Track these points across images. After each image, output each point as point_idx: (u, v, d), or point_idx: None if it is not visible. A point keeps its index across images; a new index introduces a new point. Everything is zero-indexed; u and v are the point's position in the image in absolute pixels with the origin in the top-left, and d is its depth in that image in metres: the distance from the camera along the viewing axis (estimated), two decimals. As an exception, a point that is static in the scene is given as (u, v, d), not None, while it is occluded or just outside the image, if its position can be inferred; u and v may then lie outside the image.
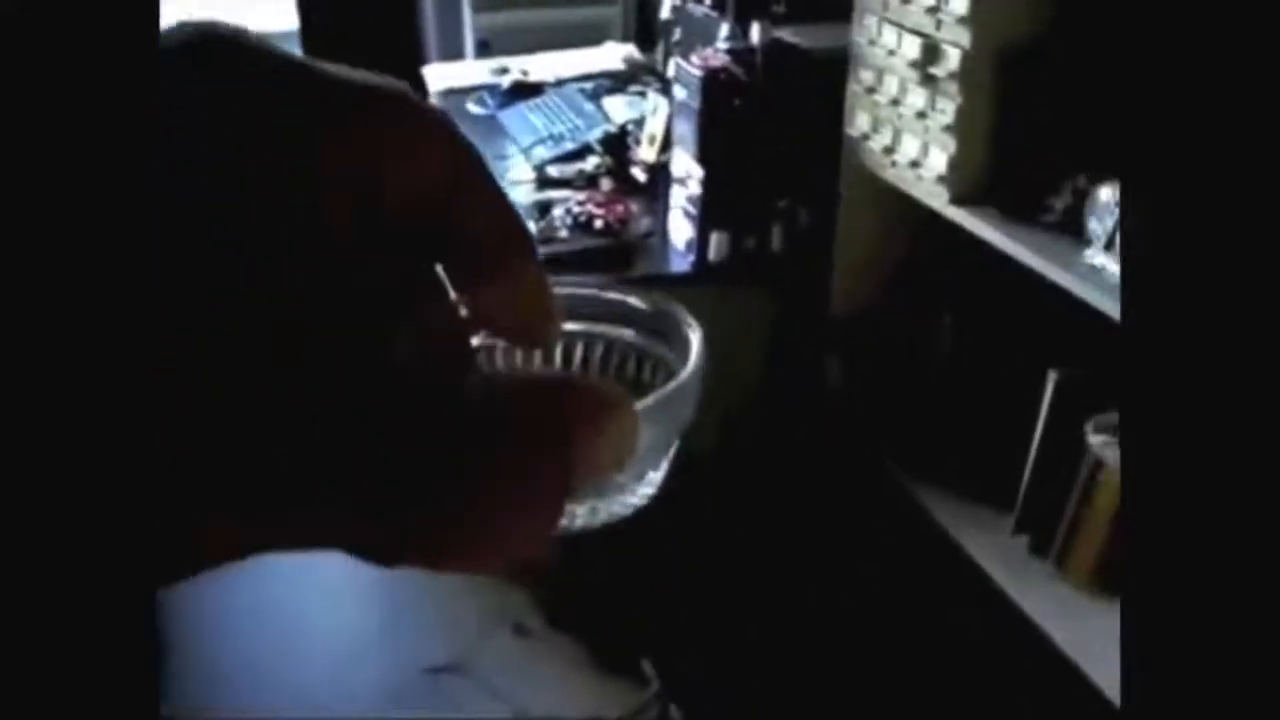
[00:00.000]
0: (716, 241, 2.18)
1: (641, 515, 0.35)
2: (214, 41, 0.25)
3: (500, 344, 0.35)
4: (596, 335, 0.36)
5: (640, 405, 0.28)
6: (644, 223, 2.28)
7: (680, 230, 2.25)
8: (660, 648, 2.15)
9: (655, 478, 0.34)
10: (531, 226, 2.21)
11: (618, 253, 2.22)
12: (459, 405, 0.25)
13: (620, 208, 2.28)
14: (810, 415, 2.31)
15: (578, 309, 0.36)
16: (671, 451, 0.33)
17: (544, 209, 2.28)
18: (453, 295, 0.29)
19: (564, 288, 0.33)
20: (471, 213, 0.28)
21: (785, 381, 2.36)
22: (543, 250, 2.18)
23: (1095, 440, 1.68)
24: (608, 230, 2.22)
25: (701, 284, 2.22)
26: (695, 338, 0.34)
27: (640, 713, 1.98)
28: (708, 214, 2.18)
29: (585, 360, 0.36)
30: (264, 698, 2.13)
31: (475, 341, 0.31)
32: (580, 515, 0.33)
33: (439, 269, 0.29)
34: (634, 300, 0.36)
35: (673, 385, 0.31)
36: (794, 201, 2.23)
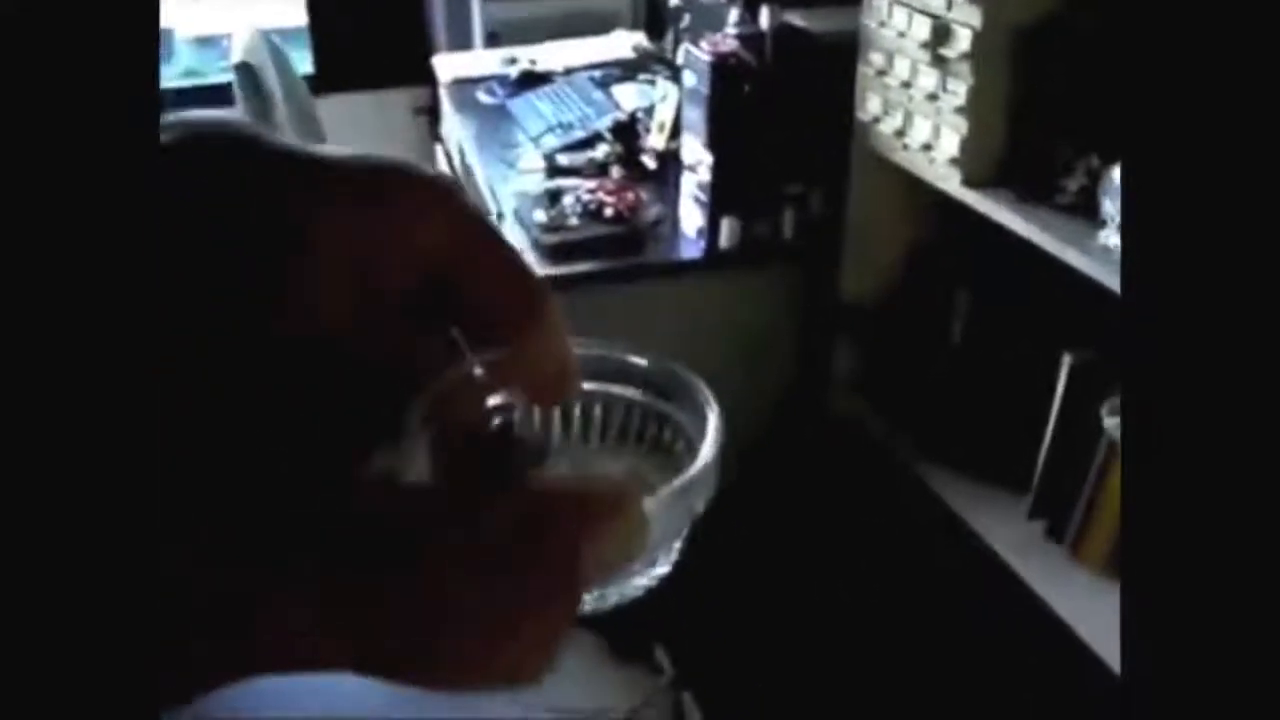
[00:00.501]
0: (727, 228, 2.17)
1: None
2: (216, 139, 0.26)
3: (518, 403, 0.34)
4: (616, 396, 0.36)
5: (652, 501, 0.29)
6: (654, 210, 2.26)
7: (691, 217, 2.24)
8: (674, 636, 2.14)
9: (669, 559, 0.33)
10: (541, 215, 2.21)
11: (628, 240, 2.21)
12: (471, 525, 0.26)
13: (630, 195, 2.27)
14: (822, 401, 2.30)
15: (600, 368, 0.36)
16: (685, 532, 0.33)
17: (554, 197, 2.27)
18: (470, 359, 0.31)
19: (586, 349, 0.34)
20: (482, 279, 0.29)
21: (797, 367, 2.34)
22: (553, 238, 2.18)
23: (1111, 423, 1.66)
24: (618, 218, 2.21)
25: (712, 270, 2.21)
26: (713, 420, 0.34)
27: (653, 701, 1.97)
28: (718, 200, 2.16)
29: (605, 421, 0.36)
30: (269, 698, 2.13)
31: (496, 400, 0.32)
32: (589, 601, 0.32)
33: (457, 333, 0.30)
34: (653, 364, 0.36)
35: (686, 476, 0.31)
36: (805, 186, 2.21)
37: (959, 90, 1.78)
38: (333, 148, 0.28)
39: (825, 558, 2.33)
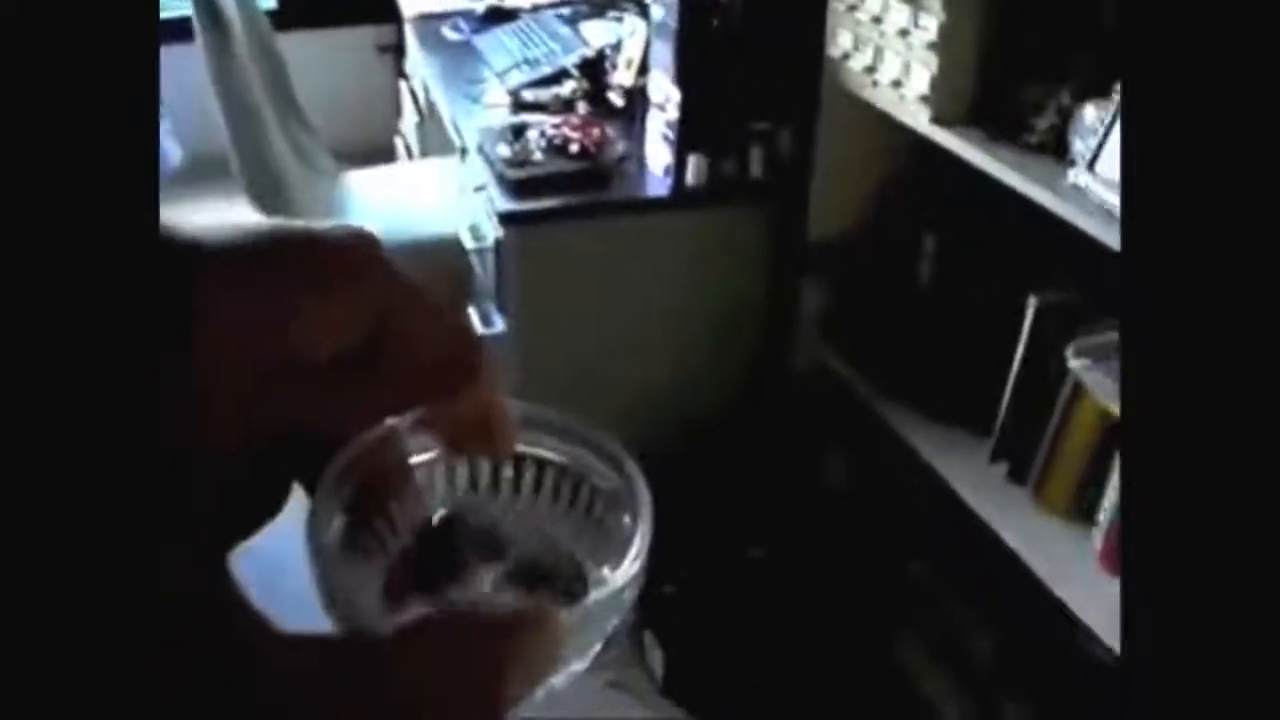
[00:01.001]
0: (694, 165, 2.14)
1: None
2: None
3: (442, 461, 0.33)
4: (548, 459, 0.35)
5: (571, 613, 0.28)
6: (620, 146, 2.23)
7: (658, 154, 2.21)
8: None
9: (586, 659, 0.32)
10: (505, 149, 2.17)
11: (593, 176, 2.17)
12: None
13: (596, 131, 2.23)
14: (789, 343, 2.28)
15: (533, 422, 0.34)
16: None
17: (518, 132, 2.24)
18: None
19: (521, 409, 0.33)
20: (414, 335, 0.28)
21: (765, 309, 2.32)
22: (517, 174, 2.14)
23: (1076, 364, 1.65)
24: (583, 154, 2.18)
25: (679, 208, 2.18)
26: (645, 516, 0.32)
27: (616, 641, 1.96)
28: (685, 137, 2.13)
29: (538, 483, 0.35)
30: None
31: (423, 457, 0.32)
32: None
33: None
34: (590, 434, 0.35)
35: (609, 589, 0.30)
36: (774, 124, 2.18)
37: (930, 26, 1.75)
38: (226, 224, 0.26)
39: (790, 503, 2.33)
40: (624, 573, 0.30)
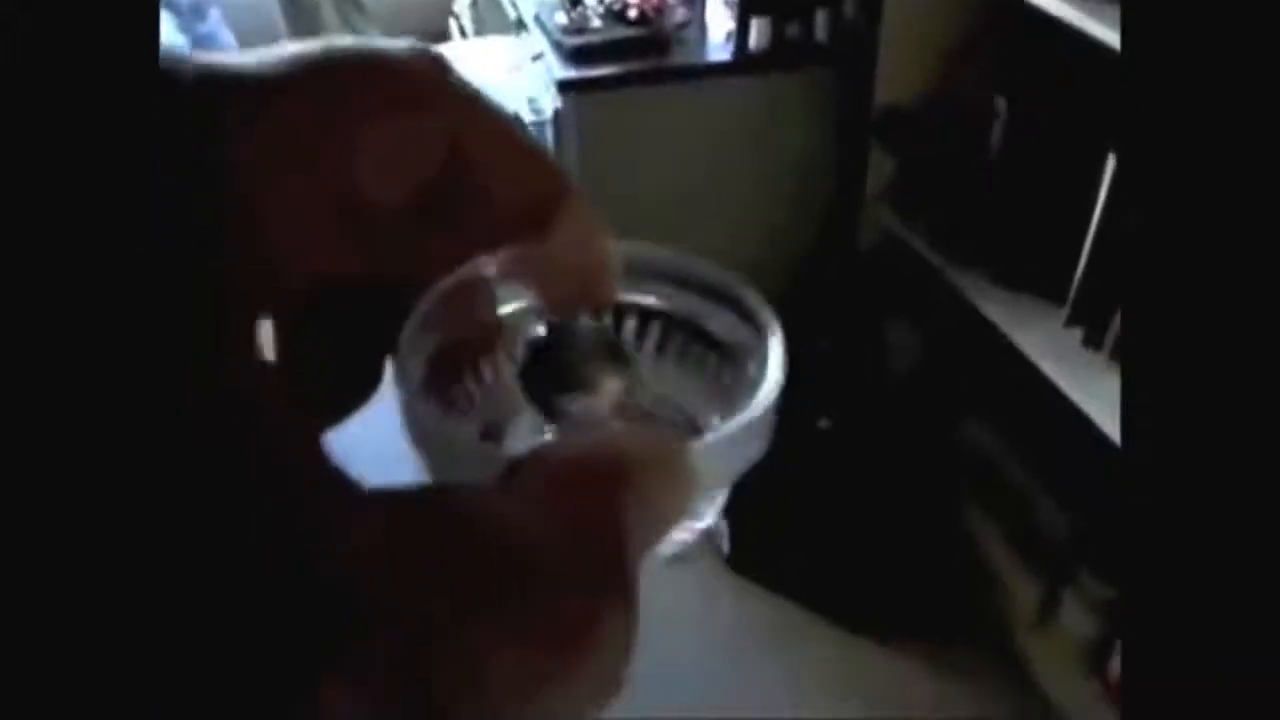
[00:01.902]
0: (757, 29, 2.07)
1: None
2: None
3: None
4: (655, 308, 0.30)
5: (701, 448, 0.23)
6: (680, 11, 2.16)
7: (719, 19, 2.14)
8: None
9: (714, 510, 0.28)
10: (562, 17, 2.11)
11: (653, 42, 2.12)
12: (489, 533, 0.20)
13: (655, -4, 2.17)
14: (857, 212, 2.23)
15: (640, 265, 0.30)
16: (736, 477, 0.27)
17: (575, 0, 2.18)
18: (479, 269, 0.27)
19: (626, 249, 0.29)
20: (490, 165, 0.24)
21: (831, 177, 2.27)
22: (575, 40, 2.08)
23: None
24: (642, 19, 2.12)
25: (741, 74, 2.12)
26: (775, 349, 0.28)
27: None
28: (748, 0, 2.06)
29: (640, 337, 0.30)
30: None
31: (510, 308, 0.29)
32: None
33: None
34: (708, 274, 0.30)
35: (740, 421, 0.25)
36: (839, -16, 2.10)
37: None
38: (268, 52, 0.22)
39: (858, 374, 2.30)
40: (760, 404, 0.26)
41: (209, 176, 0.20)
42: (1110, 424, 1.64)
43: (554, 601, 0.20)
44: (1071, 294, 1.79)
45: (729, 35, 2.12)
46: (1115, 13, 1.54)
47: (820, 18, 2.10)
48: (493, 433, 0.29)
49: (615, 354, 0.28)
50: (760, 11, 2.06)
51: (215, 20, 3.57)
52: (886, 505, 2.20)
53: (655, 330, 0.30)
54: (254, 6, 3.18)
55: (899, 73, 2.09)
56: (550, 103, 2.17)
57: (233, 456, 0.19)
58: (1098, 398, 1.68)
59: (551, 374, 0.27)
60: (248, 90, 0.21)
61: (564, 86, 2.05)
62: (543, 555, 0.20)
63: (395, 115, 0.23)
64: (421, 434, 0.24)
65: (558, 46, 2.10)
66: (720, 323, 0.30)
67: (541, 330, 0.28)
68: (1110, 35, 1.53)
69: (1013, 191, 1.93)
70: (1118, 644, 1.81)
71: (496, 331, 0.29)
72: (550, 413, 0.27)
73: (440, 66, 0.24)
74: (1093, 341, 1.77)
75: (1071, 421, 1.71)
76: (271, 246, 0.21)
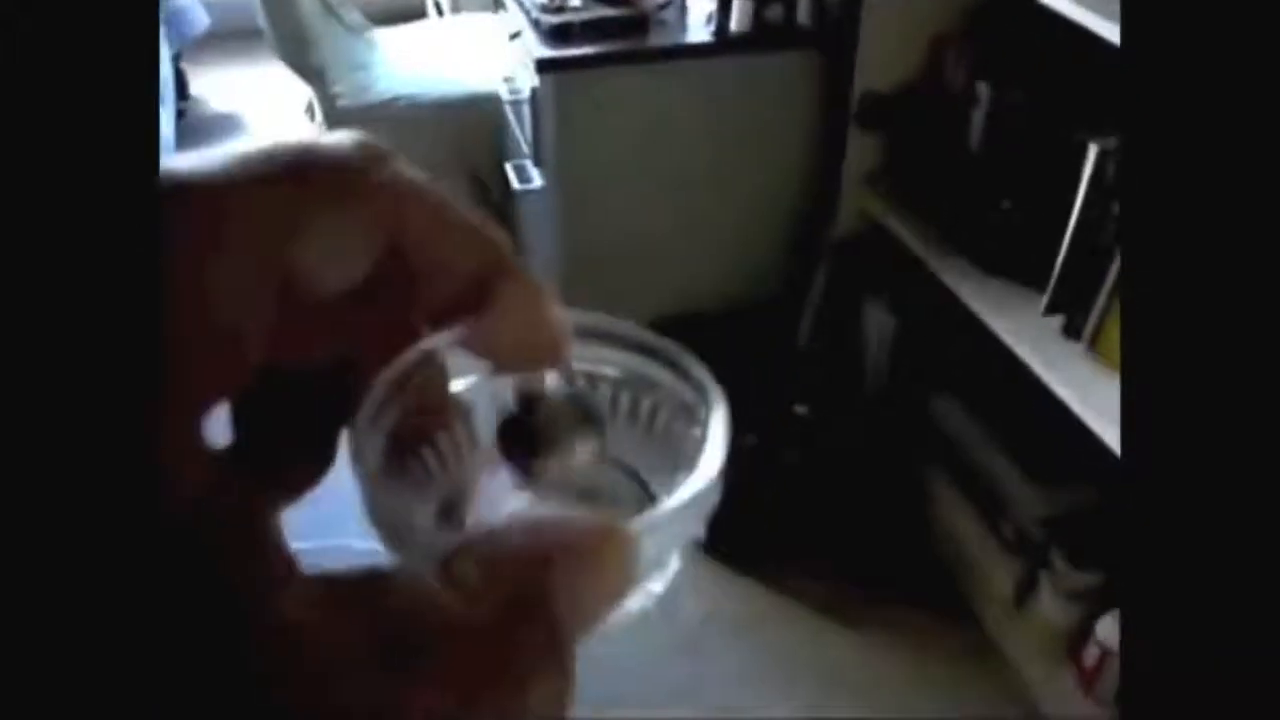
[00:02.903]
0: (739, 10, 2.05)
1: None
2: None
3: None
4: (602, 374, 0.31)
5: (637, 527, 0.24)
6: (661, -10, 2.14)
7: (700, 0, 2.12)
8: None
9: (664, 577, 0.29)
10: (541, -4, 2.08)
11: (633, 22, 2.09)
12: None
13: (636, -25, 2.14)
14: (837, 196, 2.21)
15: (586, 331, 0.30)
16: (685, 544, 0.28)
17: (555, -23, 2.15)
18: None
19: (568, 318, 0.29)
20: (431, 249, 0.26)
21: (813, 162, 2.25)
22: (553, 19, 2.06)
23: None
24: (623, -1, 2.09)
25: (722, 56, 2.10)
26: (718, 412, 0.28)
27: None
28: (730, -20, 2.04)
29: (613, 407, 0.31)
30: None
31: (465, 382, 0.29)
32: None
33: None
34: (646, 337, 0.31)
35: (684, 495, 0.26)
36: (821, -34, 2.08)
37: None
38: (215, 153, 0.24)
39: (836, 359, 2.29)
40: (701, 475, 0.26)
41: (157, 270, 0.21)
42: (1088, 413, 1.64)
43: (475, 665, 0.21)
44: (1052, 282, 1.78)
45: (710, 16, 2.10)
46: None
47: (803, 0, 2.08)
48: (454, 503, 0.30)
49: (587, 416, 0.29)
50: (742, -8, 2.04)
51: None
52: (861, 489, 2.19)
53: (604, 390, 0.31)
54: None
55: (881, 57, 2.07)
56: (528, 82, 2.15)
57: (178, 539, 0.21)
58: (1077, 386, 1.68)
59: (526, 438, 0.29)
60: (195, 192, 0.23)
61: (542, 65, 2.03)
62: (472, 635, 0.21)
63: (329, 210, 0.24)
64: (378, 516, 0.25)
65: (536, 25, 2.08)
66: (664, 381, 0.30)
67: (514, 394, 0.29)
68: (1094, 21, 1.52)
69: (994, 178, 1.92)
70: (1093, 629, 1.81)
71: (452, 405, 0.29)
72: (526, 475, 0.29)
73: (375, 158, 0.25)
74: (1072, 330, 1.77)
75: (1049, 410, 1.71)
76: (218, 335, 0.23)
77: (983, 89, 1.96)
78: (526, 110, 2.21)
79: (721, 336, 2.36)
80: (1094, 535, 1.87)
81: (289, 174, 0.24)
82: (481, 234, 0.27)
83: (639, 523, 0.24)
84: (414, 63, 2.84)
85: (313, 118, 2.80)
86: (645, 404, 0.31)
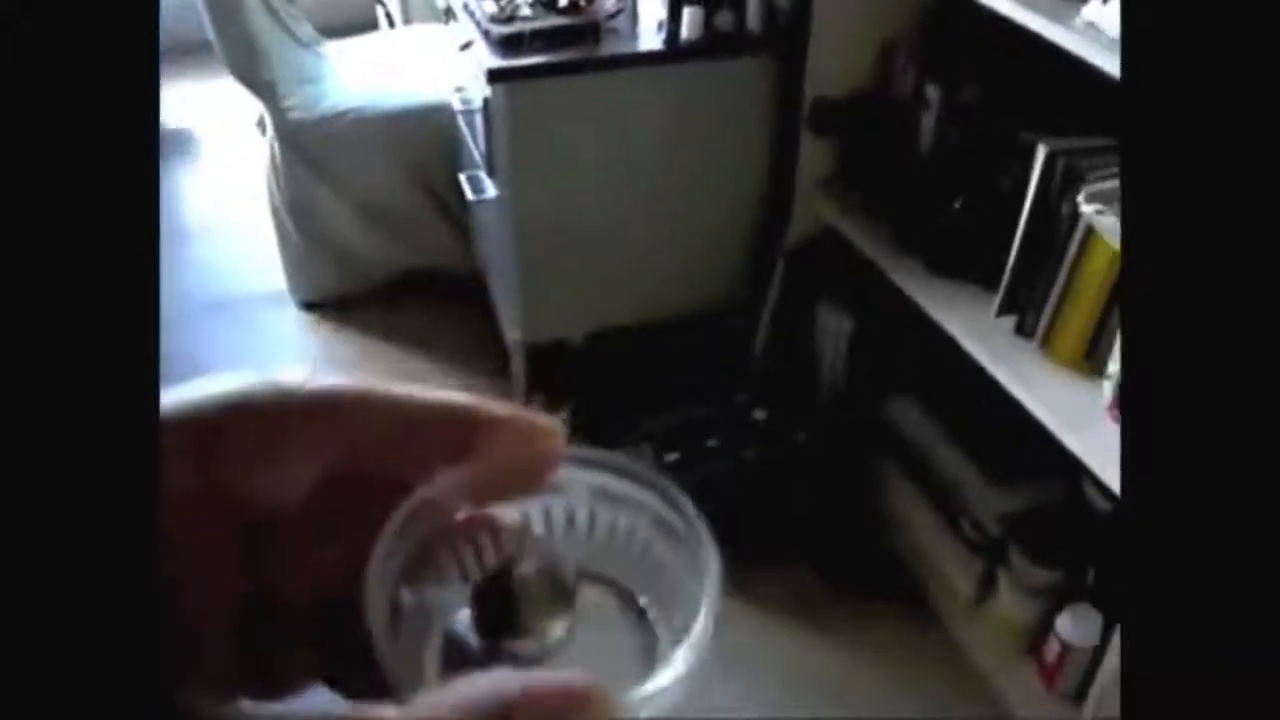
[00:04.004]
0: (689, 18, 2.05)
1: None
2: None
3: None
4: (579, 491, 0.32)
5: (635, 699, 0.26)
6: (611, 0, 2.14)
7: (650, 7, 2.13)
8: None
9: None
10: (491, 5, 2.08)
11: (584, 31, 2.09)
12: None
13: (586, -16, 2.14)
14: (791, 201, 2.23)
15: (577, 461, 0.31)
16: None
17: (505, -13, 2.15)
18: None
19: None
20: (392, 467, 0.28)
21: (765, 168, 2.26)
22: (504, 29, 2.06)
23: (1088, 209, 1.60)
24: (573, 7, 2.09)
25: (674, 64, 2.10)
26: (713, 570, 0.29)
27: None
28: (680, -12, 2.04)
29: (570, 520, 0.32)
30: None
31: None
32: None
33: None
34: (632, 465, 0.32)
35: (681, 665, 0.27)
36: (771, -27, 2.09)
37: None
38: (197, 391, 0.27)
39: (794, 360, 2.30)
40: (694, 645, 0.28)
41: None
42: (1042, 410, 1.66)
43: None
44: (1003, 283, 1.80)
45: (660, 24, 2.10)
46: (1048, 3, 1.55)
47: (753, 6, 2.09)
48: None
49: (560, 594, 0.30)
50: (692, 1, 2.05)
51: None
52: (820, 492, 2.20)
53: (583, 507, 0.31)
54: (180, 1, 3.10)
55: (832, 62, 2.09)
56: (480, 92, 2.14)
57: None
58: (1030, 385, 1.70)
59: (501, 619, 0.29)
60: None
61: (493, 76, 2.02)
62: None
63: (276, 454, 0.27)
64: (389, 671, 0.26)
65: (486, 35, 2.07)
66: (640, 498, 0.31)
67: (491, 566, 0.30)
68: (1040, 24, 1.54)
69: (945, 180, 1.94)
70: (1054, 625, 1.83)
71: (452, 539, 0.30)
72: (496, 653, 0.29)
73: (328, 402, 0.28)
74: (1024, 329, 1.78)
75: (1004, 408, 1.73)
76: (185, 571, 0.25)
77: (932, 92, 1.98)
78: (479, 121, 2.21)
79: (679, 343, 2.38)
80: (1051, 531, 1.89)
81: (240, 421, 0.27)
82: (448, 410, 0.29)
83: (632, 699, 0.25)
84: (365, 75, 2.83)
85: (264, 132, 2.78)
86: (623, 520, 0.31)
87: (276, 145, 2.72)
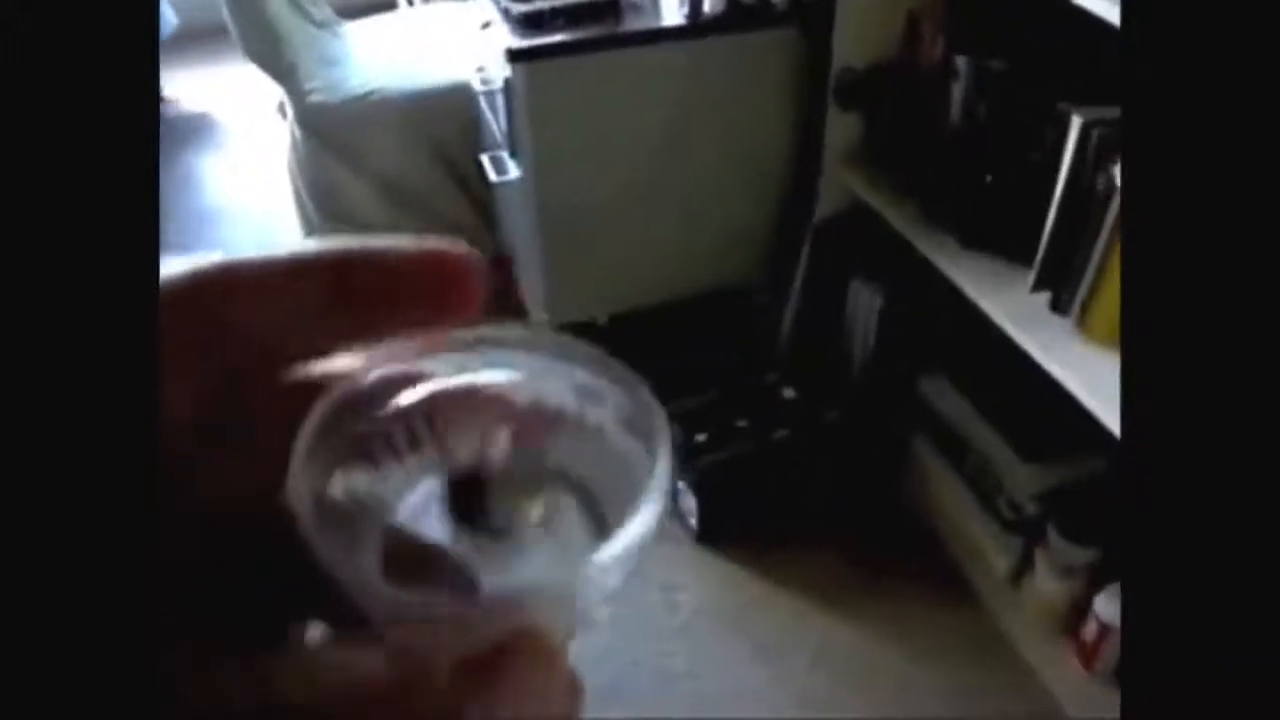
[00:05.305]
0: (712, -9, 2.02)
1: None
2: None
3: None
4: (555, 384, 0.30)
5: (590, 567, 0.25)
6: (633, -26, 2.10)
7: (672, -19, 2.09)
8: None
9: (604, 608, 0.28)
10: (511, -18, 2.05)
11: (605, 8, 2.06)
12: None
13: (606, -41, 2.11)
14: (818, 176, 2.19)
15: (536, 345, 0.30)
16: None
17: (526, -37, 2.11)
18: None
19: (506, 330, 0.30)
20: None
21: (792, 143, 2.23)
22: (524, 7, 2.03)
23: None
24: (594, -16, 2.06)
25: (697, 39, 2.07)
26: (663, 459, 0.27)
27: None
28: (702, -39, 2.01)
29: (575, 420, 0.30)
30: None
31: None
32: None
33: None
34: (598, 354, 0.29)
35: (620, 544, 0.25)
36: (795, -57, 2.05)
37: None
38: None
39: (825, 338, 2.28)
40: (648, 514, 0.26)
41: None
42: (1079, 387, 1.63)
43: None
44: (1038, 257, 1.76)
45: (683, -1, 2.07)
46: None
47: (777, -22, 2.05)
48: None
49: (533, 487, 0.29)
50: (715, -27, 2.01)
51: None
52: (852, 471, 2.18)
53: (552, 398, 0.30)
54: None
55: (858, 33, 2.05)
56: (500, 72, 2.11)
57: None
58: (1066, 362, 1.66)
59: (476, 506, 0.28)
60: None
61: (514, 55, 1.99)
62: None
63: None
64: (324, 564, 0.24)
65: (506, 14, 2.05)
66: (613, 397, 0.29)
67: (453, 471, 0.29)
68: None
69: (976, 153, 1.89)
70: (1092, 605, 1.80)
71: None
72: (473, 537, 0.28)
73: (203, 309, 0.27)
74: (1059, 305, 1.75)
75: (1039, 385, 1.69)
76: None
77: (961, 62, 1.93)
78: (500, 101, 2.18)
79: (706, 322, 2.35)
80: (1089, 510, 1.86)
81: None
82: (313, 259, 0.28)
83: (588, 568, 0.25)
84: (385, 56, 2.80)
85: (284, 116, 2.76)
86: (592, 416, 0.29)
87: (297, 129, 2.70)
